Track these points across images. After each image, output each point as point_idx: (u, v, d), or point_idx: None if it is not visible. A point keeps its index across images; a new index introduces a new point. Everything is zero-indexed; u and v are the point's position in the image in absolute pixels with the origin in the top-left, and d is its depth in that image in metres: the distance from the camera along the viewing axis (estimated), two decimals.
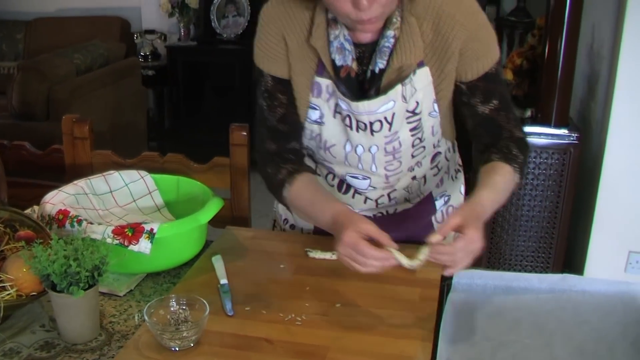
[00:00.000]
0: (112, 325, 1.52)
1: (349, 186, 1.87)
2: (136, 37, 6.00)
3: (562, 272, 2.69)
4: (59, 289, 1.41)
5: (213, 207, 1.76)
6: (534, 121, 3.30)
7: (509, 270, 3.30)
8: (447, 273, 1.50)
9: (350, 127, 1.70)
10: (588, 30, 3.57)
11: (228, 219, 2.10)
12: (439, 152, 1.85)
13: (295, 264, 1.76)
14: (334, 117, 1.71)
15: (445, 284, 1.65)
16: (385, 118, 1.66)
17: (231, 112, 5.48)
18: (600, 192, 3.29)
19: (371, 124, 1.66)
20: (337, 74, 1.64)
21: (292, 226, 2.04)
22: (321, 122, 1.73)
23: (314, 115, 1.73)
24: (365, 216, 1.82)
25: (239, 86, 5.60)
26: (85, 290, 1.41)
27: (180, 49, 5.79)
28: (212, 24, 5.84)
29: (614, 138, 3.19)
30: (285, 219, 2.06)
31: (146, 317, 1.40)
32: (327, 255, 1.77)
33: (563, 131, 3.24)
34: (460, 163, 2.05)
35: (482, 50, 1.64)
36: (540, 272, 1.68)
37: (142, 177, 1.98)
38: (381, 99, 1.62)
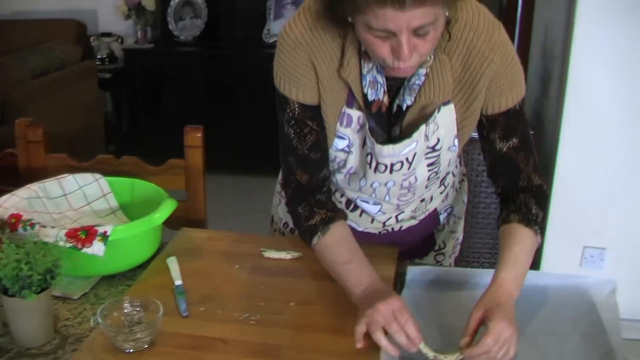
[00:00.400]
0: (66, 329, 1.52)
1: (357, 206, 1.85)
2: (93, 40, 5.95)
3: None
4: (11, 292, 1.40)
5: (167, 209, 1.76)
6: None
7: (466, 267, 3.33)
8: None
9: (370, 165, 1.65)
10: (541, 30, 3.62)
11: (184, 220, 2.09)
12: (448, 172, 1.83)
13: (250, 263, 1.77)
14: (362, 148, 1.65)
15: (399, 280, 1.67)
16: (407, 159, 1.62)
17: (190, 114, 5.48)
18: (555, 188, 3.34)
19: (392, 164, 1.62)
20: (369, 108, 1.57)
21: (292, 230, 2.00)
22: (349, 152, 1.67)
23: (341, 144, 1.66)
24: (370, 233, 1.86)
25: (196, 88, 5.59)
26: (37, 293, 1.41)
27: (137, 52, 5.76)
28: (169, 26, 5.82)
29: (567, 135, 3.24)
30: (285, 223, 2.04)
31: (100, 320, 1.40)
32: (282, 255, 1.79)
33: None
34: (464, 172, 2.01)
35: (508, 87, 1.57)
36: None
37: (97, 180, 1.97)
38: (405, 142, 1.58)
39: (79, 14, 6.03)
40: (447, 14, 1.40)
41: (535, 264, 3.43)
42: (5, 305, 1.44)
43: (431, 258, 2.01)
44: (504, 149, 1.64)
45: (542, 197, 1.67)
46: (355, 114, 1.60)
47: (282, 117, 1.66)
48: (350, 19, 1.42)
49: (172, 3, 5.78)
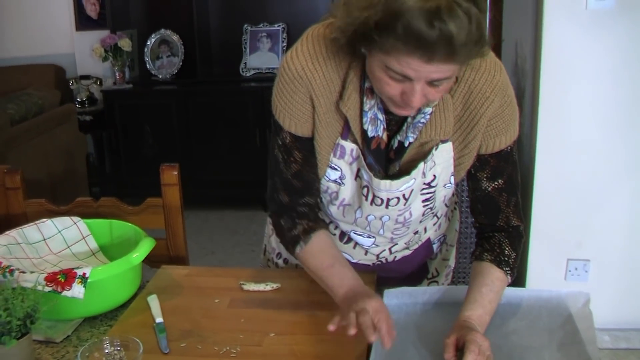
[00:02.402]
0: None
1: (350, 238, 1.86)
2: (72, 83, 5.98)
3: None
4: None
5: (145, 248, 1.77)
6: None
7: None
8: None
9: (366, 198, 1.66)
10: (512, 48, 3.67)
11: (166, 258, 2.11)
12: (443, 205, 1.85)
13: (230, 297, 1.78)
14: (355, 180, 1.67)
15: None
16: (404, 195, 1.64)
17: (171, 152, 5.51)
18: (535, 204, 3.37)
19: (389, 199, 1.64)
20: (367, 145, 1.58)
21: (286, 260, 2.03)
22: (341, 183, 1.68)
23: (333, 175, 1.67)
24: (363, 264, 1.88)
25: (176, 125, 5.62)
26: (18, 339, 1.41)
27: (116, 93, 5.78)
28: (147, 65, 5.87)
29: (542, 150, 3.28)
30: (278, 253, 2.05)
31: None
32: (261, 287, 1.80)
33: None
34: (456, 200, 2.03)
35: (503, 128, 1.60)
36: None
37: (75, 223, 1.98)
38: (404, 179, 1.59)
39: (56, 58, 6.06)
40: None
41: (520, 280, 3.48)
42: None
43: (424, 286, 2.01)
44: (489, 189, 1.67)
45: (516, 238, 1.71)
46: (349, 146, 1.61)
47: (274, 140, 1.69)
48: (364, 51, 1.42)
49: (148, 42, 5.84)
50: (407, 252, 1.92)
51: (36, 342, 1.58)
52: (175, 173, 2.11)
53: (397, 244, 1.86)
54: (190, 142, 5.58)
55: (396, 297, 1.69)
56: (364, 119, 1.55)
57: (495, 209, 1.70)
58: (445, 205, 1.88)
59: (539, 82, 3.19)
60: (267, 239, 2.12)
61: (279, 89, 1.61)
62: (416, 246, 1.92)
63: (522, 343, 1.55)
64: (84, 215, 2.02)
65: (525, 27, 3.42)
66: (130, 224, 1.96)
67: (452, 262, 2.07)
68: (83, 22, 6.08)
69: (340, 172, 1.66)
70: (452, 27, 1.23)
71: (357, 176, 1.65)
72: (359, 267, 1.82)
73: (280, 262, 2.05)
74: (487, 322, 1.58)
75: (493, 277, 1.64)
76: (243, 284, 1.82)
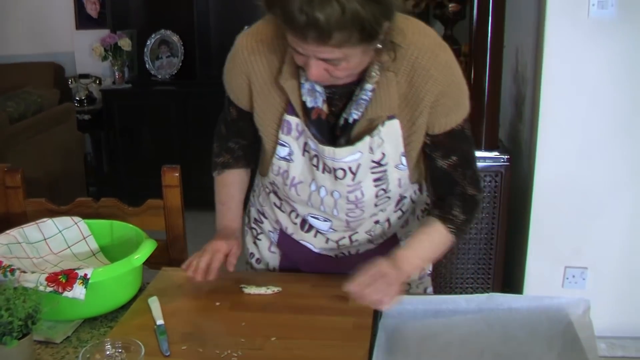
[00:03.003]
0: None
1: (311, 226, 1.89)
2: (70, 82, 5.97)
3: (502, 291, 2.75)
4: None
5: (146, 250, 1.77)
6: None
7: (450, 293, 3.35)
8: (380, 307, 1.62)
9: (317, 167, 1.71)
10: (512, 54, 3.67)
11: (165, 260, 2.11)
12: (404, 197, 1.86)
13: (230, 300, 1.78)
14: (303, 155, 1.73)
15: (378, 311, 1.68)
16: (350, 168, 1.67)
17: (169, 153, 5.50)
18: (533, 211, 3.37)
19: (334, 169, 1.68)
20: (308, 116, 1.65)
21: (258, 260, 2.08)
22: (290, 160, 1.74)
23: (282, 152, 1.74)
24: (327, 256, 1.90)
25: (175, 126, 5.61)
26: (19, 339, 1.41)
27: (115, 92, 5.77)
28: (147, 65, 5.86)
29: (542, 157, 3.29)
30: (251, 253, 2.10)
31: None
32: (262, 290, 1.80)
33: (494, 154, 3.32)
34: (428, 202, 2.04)
35: (453, 107, 1.65)
36: (482, 293, 1.72)
37: (76, 223, 1.98)
38: (348, 148, 1.64)
39: (56, 57, 6.05)
40: (379, 45, 1.49)
41: (518, 287, 3.49)
42: None
43: None
44: (445, 166, 1.74)
45: (470, 204, 1.78)
46: (294, 120, 1.69)
47: (224, 109, 1.91)
48: None
49: (148, 43, 5.83)
50: (372, 246, 1.93)
51: (36, 343, 1.58)
52: (177, 175, 2.11)
53: (357, 232, 1.87)
54: (188, 143, 5.56)
55: (397, 303, 1.69)
56: (302, 91, 1.64)
57: (452, 182, 1.76)
58: (411, 200, 1.90)
59: (539, 89, 3.20)
60: (246, 241, 2.14)
61: (227, 65, 1.79)
62: (381, 241, 1.93)
63: (522, 350, 1.56)
64: (84, 216, 2.01)
65: (527, 33, 3.42)
66: (131, 225, 1.96)
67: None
68: (83, 21, 6.08)
69: (288, 148, 1.73)
70: (319, 14, 1.34)
71: (305, 150, 1.72)
72: (323, 261, 1.91)
73: (253, 261, 2.10)
74: (417, 265, 1.76)
75: (435, 228, 1.74)
76: (244, 287, 1.81)
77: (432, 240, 1.75)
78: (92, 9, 6.05)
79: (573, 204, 3.33)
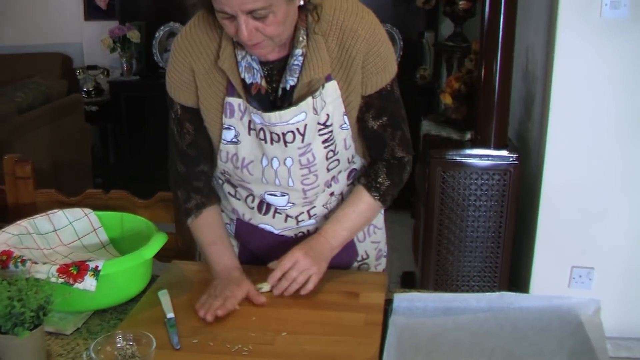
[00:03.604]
0: None
1: (269, 206, 1.91)
2: (78, 73, 5.97)
3: (508, 289, 2.75)
4: (4, 330, 1.40)
5: (157, 242, 1.77)
6: (474, 144, 3.37)
7: (456, 291, 3.35)
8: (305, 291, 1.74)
9: (265, 140, 1.75)
10: (522, 52, 3.67)
11: (174, 253, 2.11)
12: (355, 169, 1.92)
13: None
14: (249, 134, 1.77)
15: (389, 307, 1.69)
16: (298, 129, 1.72)
17: None
18: (541, 210, 3.37)
19: (284, 134, 1.72)
20: (248, 92, 1.71)
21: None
22: (237, 141, 1.78)
23: (228, 135, 1.78)
24: (287, 236, 1.94)
25: None
26: (30, 330, 1.41)
27: (123, 84, 5.77)
28: (155, 57, 5.85)
29: (551, 156, 3.28)
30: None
31: (93, 355, 1.40)
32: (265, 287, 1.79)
33: (502, 152, 3.31)
34: None
35: (382, 65, 1.73)
36: (488, 292, 1.72)
37: (86, 215, 1.98)
38: (293, 109, 1.69)
39: (64, 48, 6.07)
40: (301, 1, 1.59)
41: (524, 286, 3.49)
42: None
43: (355, 267, 2.04)
44: (375, 127, 1.81)
45: (397, 168, 1.88)
46: (236, 101, 1.74)
47: (170, 115, 1.86)
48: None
49: (157, 35, 5.82)
50: None
51: (46, 334, 1.58)
52: None
53: (314, 206, 1.91)
54: None
55: (406, 300, 1.69)
56: (240, 69, 1.70)
57: (382, 143, 1.84)
58: (354, 166, 1.92)
59: (550, 88, 3.19)
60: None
61: (168, 67, 1.81)
62: None
63: (532, 349, 1.55)
64: (93, 207, 2.02)
65: (538, 32, 3.41)
66: (141, 218, 1.96)
67: (383, 246, 2.12)
68: (92, 12, 6.08)
69: (234, 130, 1.77)
70: None
71: (251, 128, 1.77)
72: (282, 239, 1.94)
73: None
74: (344, 237, 1.83)
75: (361, 199, 1.85)
76: (260, 287, 1.79)
77: (359, 211, 1.85)
78: (100, 1, 6.05)
79: (581, 204, 3.32)
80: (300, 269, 1.74)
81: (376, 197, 1.84)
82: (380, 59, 1.72)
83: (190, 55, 1.74)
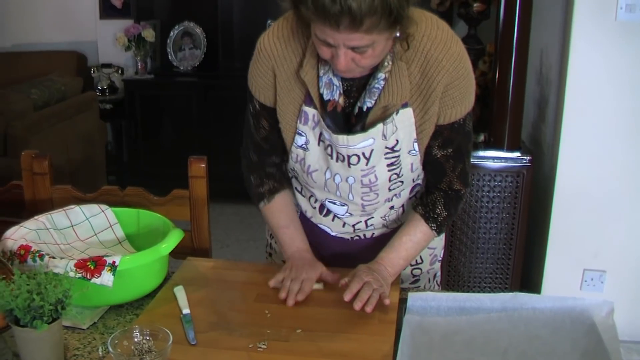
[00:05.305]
0: (76, 358, 1.54)
1: (329, 211, 1.95)
2: (93, 71, 6.00)
3: (520, 291, 2.75)
4: (23, 323, 1.42)
5: (174, 239, 1.79)
6: (487, 145, 3.38)
7: (468, 291, 3.36)
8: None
9: (331, 156, 1.78)
10: (537, 55, 3.67)
11: (189, 250, 2.12)
12: (419, 184, 1.92)
13: (256, 291, 1.79)
14: (318, 144, 1.79)
15: (403, 306, 1.70)
16: (363, 153, 1.73)
17: (189, 145, 5.51)
18: (554, 212, 3.37)
19: (349, 157, 1.74)
20: (324, 107, 1.72)
21: (270, 254, 2.18)
22: (306, 148, 1.81)
23: (300, 140, 1.81)
24: (343, 238, 1.97)
25: (196, 118, 5.63)
26: (49, 324, 1.43)
27: (137, 83, 5.79)
28: (169, 56, 5.88)
29: (564, 159, 3.28)
30: (269, 244, 2.18)
31: (110, 349, 1.42)
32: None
33: (516, 154, 3.33)
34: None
35: (459, 99, 1.71)
36: (499, 292, 1.73)
37: (103, 211, 2.00)
38: (361, 136, 1.70)
39: (79, 46, 6.08)
40: (397, 34, 1.56)
41: (536, 288, 3.49)
42: (17, 336, 1.45)
43: (408, 271, 2.05)
44: (438, 155, 1.81)
45: (453, 199, 1.87)
46: (311, 111, 1.76)
47: (248, 107, 1.90)
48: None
49: (171, 34, 5.85)
50: (386, 230, 1.99)
51: (63, 328, 1.59)
52: (203, 165, 2.12)
53: (372, 216, 1.93)
54: (208, 134, 5.58)
55: (420, 300, 1.70)
56: (320, 84, 1.71)
57: (441, 172, 1.84)
58: (417, 182, 1.92)
59: (564, 91, 3.20)
60: (267, 233, 2.20)
61: (252, 63, 1.82)
62: (395, 225, 1.97)
63: (545, 349, 1.56)
64: (109, 204, 2.03)
65: (553, 35, 3.41)
66: (158, 215, 1.97)
67: (438, 252, 2.12)
68: (107, 10, 6.09)
69: (305, 137, 1.80)
70: (352, 2, 1.41)
71: (320, 140, 1.79)
72: (338, 242, 1.98)
73: (272, 251, 2.17)
74: (401, 265, 1.83)
75: (418, 229, 1.85)
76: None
77: (415, 240, 1.85)
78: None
79: (593, 207, 3.33)
80: (374, 276, 1.73)
81: (433, 228, 1.86)
82: (460, 93, 1.71)
83: (274, 59, 1.76)
